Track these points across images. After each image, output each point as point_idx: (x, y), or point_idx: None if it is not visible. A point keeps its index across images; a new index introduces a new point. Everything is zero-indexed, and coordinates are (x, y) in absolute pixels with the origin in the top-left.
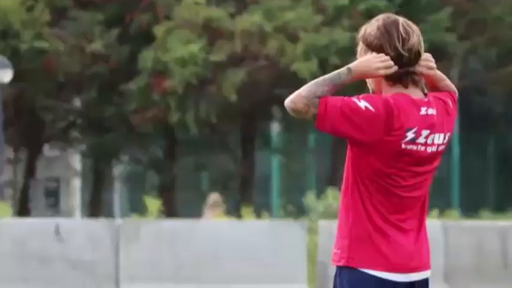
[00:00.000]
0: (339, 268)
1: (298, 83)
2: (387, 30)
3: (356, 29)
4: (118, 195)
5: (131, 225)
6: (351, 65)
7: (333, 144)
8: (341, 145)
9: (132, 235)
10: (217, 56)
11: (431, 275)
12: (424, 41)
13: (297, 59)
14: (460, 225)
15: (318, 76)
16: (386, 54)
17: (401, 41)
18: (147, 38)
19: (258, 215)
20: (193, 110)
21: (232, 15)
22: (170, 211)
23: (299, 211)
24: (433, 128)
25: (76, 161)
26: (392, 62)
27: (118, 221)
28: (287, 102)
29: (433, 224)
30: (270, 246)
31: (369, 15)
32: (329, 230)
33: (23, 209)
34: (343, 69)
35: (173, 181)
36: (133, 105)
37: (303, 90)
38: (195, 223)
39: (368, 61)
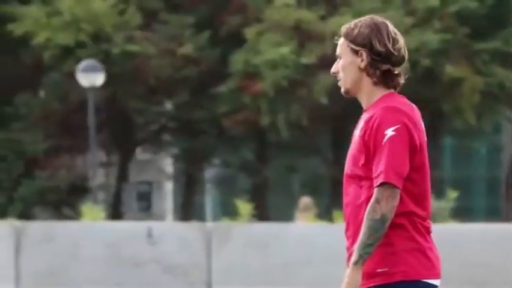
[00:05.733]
0: (391, 285)
1: None
2: (378, 28)
3: (446, 31)
4: (209, 198)
5: (223, 229)
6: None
7: None
8: (432, 148)
9: (224, 238)
10: (308, 59)
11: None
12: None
13: None
14: None
15: (410, 78)
16: (375, 51)
17: (391, 40)
18: (237, 40)
19: None
20: (284, 113)
21: (323, 18)
22: (261, 214)
23: None
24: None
25: (168, 165)
26: None
27: (210, 224)
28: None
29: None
30: None
31: (460, 16)
32: None
33: (115, 213)
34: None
35: (264, 184)
36: (223, 108)
37: (388, 212)
38: (286, 226)
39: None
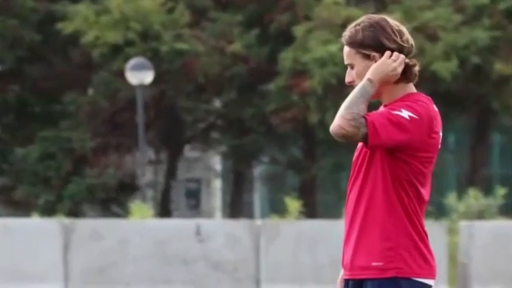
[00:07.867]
0: (383, 280)
1: (437, 83)
2: (381, 25)
3: (496, 28)
4: (258, 195)
5: (272, 226)
6: (369, 76)
7: (473, 145)
8: (480, 146)
9: (272, 236)
10: None
11: None
12: None
13: (437, 59)
14: None
15: (458, 76)
16: (387, 50)
17: (397, 34)
18: (286, 38)
19: None
20: (333, 111)
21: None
22: (310, 211)
23: (439, 211)
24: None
25: (216, 162)
26: (403, 56)
27: (258, 221)
28: (335, 129)
29: None
30: None
31: (510, 13)
32: (470, 231)
33: (164, 210)
34: (365, 82)
35: (312, 181)
36: (272, 105)
37: (345, 114)
38: (334, 224)
39: (382, 65)
